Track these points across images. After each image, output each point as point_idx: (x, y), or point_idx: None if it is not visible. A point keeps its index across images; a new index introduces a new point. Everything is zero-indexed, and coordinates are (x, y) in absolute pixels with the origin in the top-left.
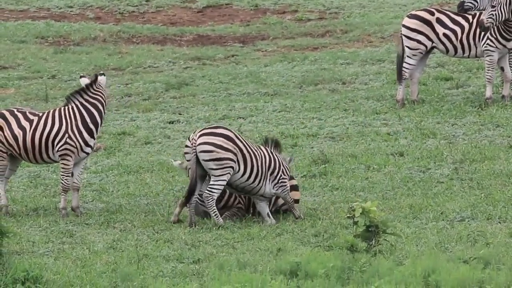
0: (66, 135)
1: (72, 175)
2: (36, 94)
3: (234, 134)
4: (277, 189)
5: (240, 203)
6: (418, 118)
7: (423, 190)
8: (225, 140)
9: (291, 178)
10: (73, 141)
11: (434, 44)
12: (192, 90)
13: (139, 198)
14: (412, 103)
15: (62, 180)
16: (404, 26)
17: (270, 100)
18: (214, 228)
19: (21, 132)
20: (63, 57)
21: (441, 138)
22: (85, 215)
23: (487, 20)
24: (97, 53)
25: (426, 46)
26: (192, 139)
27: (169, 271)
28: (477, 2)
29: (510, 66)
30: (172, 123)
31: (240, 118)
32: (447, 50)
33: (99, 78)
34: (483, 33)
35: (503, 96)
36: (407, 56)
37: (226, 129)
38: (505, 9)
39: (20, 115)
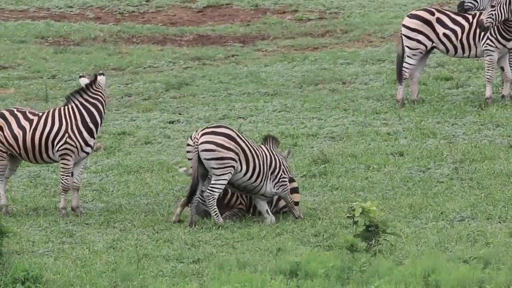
0: (66, 134)
1: (72, 175)
2: (36, 94)
3: (236, 134)
4: (277, 189)
5: (241, 203)
6: (418, 118)
7: (423, 190)
8: (227, 140)
9: (292, 180)
10: (73, 140)
11: (434, 44)
12: (192, 90)
13: (139, 198)
14: (412, 103)
15: (62, 180)
16: (404, 26)
17: (270, 100)
18: (214, 228)
19: (21, 132)
20: (63, 57)
21: (441, 138)
22: (85, 215)
23: (487, 20)
24: (97, 53)
25: (426, 46)
26: (194, 138)
27: (169, 270)
28: (477, 2)
29: (510, 66)
30: (172, 123)
31: (240, 118)
32: (447, 50)
33: (99, 78)
34: (483, 33)
35: (503, 96)
36: (407, 56)
37: (228, 128)
38: (505, 9)
39: (20, 115)
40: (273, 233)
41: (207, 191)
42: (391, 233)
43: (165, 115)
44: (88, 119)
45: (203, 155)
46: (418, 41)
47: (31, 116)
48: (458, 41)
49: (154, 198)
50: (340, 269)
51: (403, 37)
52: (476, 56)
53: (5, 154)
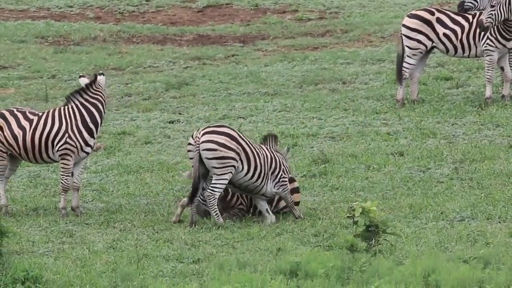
0: (66, 134)
1: (72, 174)
2: (36, 94)
3: (237, 133)
4: (278, 188)
5: (242, 204)
6: (418, 118)
7: (423, 189)
8: (229, 139)
9: (293, 180)
10: (73, 140)
11: (434, 44)
12: (192, 90)
13: (139, 198)
14: (412, 102)
15: (62, 179)
16: (404, 25)
17: (270, 99)
18: (214, 228)
19: (21, 132)
20: (63, 57)
21: (441, 138)
22: (85, 215)
23: (486, 20)
24: (97, 53)
25: (426, 46)
26: (196, 137)
27: (169, 271)
28: (477, 2)
29: (510, 66)
30: (172, 122)
31: (240, 117)
32: (447, 50)
33: (99, 77)
34: (483, 33)
35: (503, 96)
36: (407, 55)
37: (230, 128)
38: (505, 8)
39: (20, 115)
40: (273, 233)
41: (208, 190)
42: (391, 233)
43: (165, 115)
44: (88, 119)
45: (205, 154)
46: (418, 41)
47: (31, 116)
48: (458, 41)
49: (154, 198)
50: (340, 269)
51: (403, 37)
52: (476, 56)
53: (5, 154)
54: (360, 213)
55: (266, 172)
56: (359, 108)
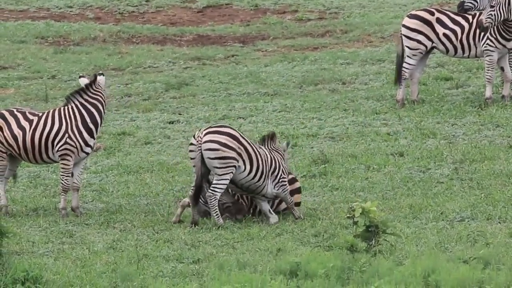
0: (66, 135)
1: (72, 175)
2: (36, 94)
3: (239, 133)
4: (277, 189)
5: (242, 204)
6: (418, 118)
7: (423, 190)
8: (230, 139)
9: (295, 180)
10: (73, 141)
11: (434, 44)
12: (192, 90)
13: (139, 198)
14: (412, 103)
15: (62, 180)
16: (404, 26)
17: (270, 100)
18: (214, 228)
19: (20, 132)
20: (63, 57)
21: (441, 138)
22: (85, 215)
23: (486, 20)
24: (97, 53)
25: (426, 46)
26: (198, 137)
27: (169, 271)
28: (477, 2)
29: (510, 66)
30: (172, 123)
31: (240, 118)
32: (447, 50)
33: (98, 78)
34: (483, 33)
35: (503, 96)
36: (407, 56)
37: (231, 128)
38: (504, 9)
39: (19, 115)
40: (273, 233)
41: (209, 191)
42: (391, 234)
43: (165, 115)
44: (88, 119)
45: (207, 154)
46: (418, 41)
47: (31, 117)
48: (458, 41)
49: (154, 198)
50: (340, 270)
51: (403, 37)
52: (476, 56)
53: (4, 155)
54: (360, 213)
55: (267, 172)
56: (359, 109)
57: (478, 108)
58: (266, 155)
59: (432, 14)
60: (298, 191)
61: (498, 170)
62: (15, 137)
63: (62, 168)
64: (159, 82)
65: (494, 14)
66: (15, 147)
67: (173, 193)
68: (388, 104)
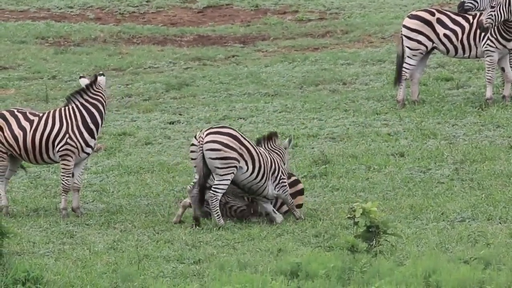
0: (67, 135)
1: (73, 175)
2: (36, 95)
3: (240, 134)
4: (278, 190)
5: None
6: (419, 119)
7: (424, 190)
8: (232, 139)
9: (298, 182)
10: (73, 141)
11: (434, 45)
12: (192, 91)
13: (139, 199)
14: (412, 103)
15: (63, 180)
16: (404, 26)
17: (271, 100)
18: (214, 229)
19: (21, 133)
20: (64, 58)
21: (441, 139)
22: (86, 216)
23: (486, 21)
24: (98, 53)
25: (426, 47)
26: (199, 137)
27: (170, 271)
28: (477, 3)
29: (510, 67)
30: (173, 123)
31: (241, 118)
32: (448, 51)
33: (99, 78)
34: (483, 33)
35: (503, 97)
36: (408, 56)
37: (232, 129)
38: (505, 9)
39: (20, 116)
40: (274, 234)
41: (211, 191)
42: (392, 234)
43: (165, 115)
44: (88, 120)
45: (208, 154)
46: (419, 42)
47: (31, 117)
48: (459, 41)
49: (154, 199)
50: (341, 270)
51: (404, 37)
52: (476, 57)
53: (5, 155)
54: (361, 213)
55: (268, 172)
56: (359, 109)
57: (478, 109)
58: (266, 155)
59: (433, 14)
60: (301, 192)
61: (499, 170)
62: (15, 138)
63: (63, 168)
64: (159, 83)
65: (495, 15)
66: (16, 147)
67: (173, 194)
68: (388, 105)
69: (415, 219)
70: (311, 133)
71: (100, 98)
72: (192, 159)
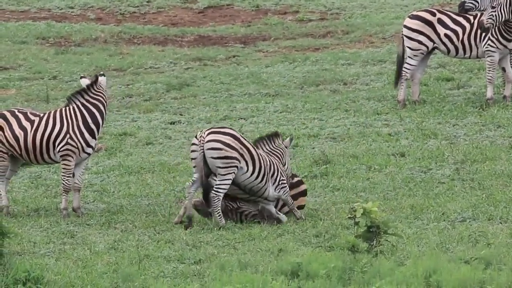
0: (68, 135)
1: (73, 175)
2: (37, 95)
3: (240, 135)
4: (278, 191)
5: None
6: (419, 119)
7: (424, 190)
8: (233, 140)
9: (301, 183)
10: (74, 141)
11: (435, 45)
12: (193, 91)
13: (140, 199)
14: (413, 103)
15: (63, 180)
16: (405, 26)
17: (271, 100)
18: (215, 229)
19: (22, 133)
20: (64, 58)
21: (442, 139)
22: (86, 216)
23: (487, 21)
24: (98, 54)
25: (427, 47)
26: (200, 137)
27: (170, 271)
28: (478, 3)
29: (511, 67)
30: (173, 123)
31: (241, 118)
32: (448, 51)
33: (100, 78)
34: (484, 33)
35: (504, 97)
36: (408, 56)
37: (233, 129)
38: (505, 10)
39: (21, 116)
40: (274, 233)
41: (212, 192)
42: (393, 234)
43: (166, 116)
44: (89, 120)
45: (210, 153)
46: (419, 42)
47: (32, 117)
48: (459, 41)
49: (155, 199)
50: (342, 270)
51: (404, 37)
52: (477, 57)
53: (6, 155)
54: (362, 213)
55: (268, 173)
56: (360, 109)
57: (479, 109)
58: (265, 156)
59: (433, 14)
60: (303, 193)
61: (500, 170)
62: (16, 138)
63: (64, 168)
64: (160, 83)
65: (495, 15)
66: (17, 147)
67: (174, 194)
68: (389, 105)
69: (416, 219)
70: (312, 133)
71: (101, 98)
72: (192, 158)
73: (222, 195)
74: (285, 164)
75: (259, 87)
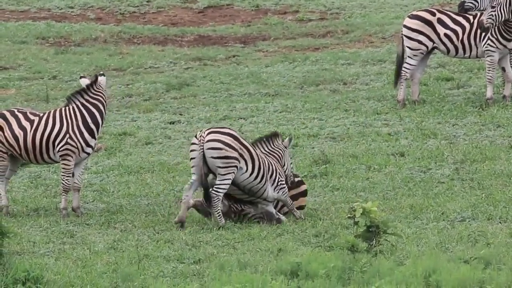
0: (67, 135)
1: (73, 175)
2: (36, 95)
3: (239, 135)
4: (277, 192)
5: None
6: (419, 119)
7: (424, 190)
8: (233, 140)
9: (302, 183)
10: (74, 141)
11: (435, 45)
12: (193, 91)
13: (139, 199)
14: (413, 103)
15: (63, 180)
16: (405, 26)
17: (271, 100)
18: (214, 229)
19: (21, 133)
20: (64, 58)
21: (442, 138)
22: (86, 216)
23: (487, 21)
24: (98, 53)
25: (427, 47)
26: (200, 136)
27: (170, 271)
28: (478, 2)
29: (511, 66)
30: (173, 123)
31: (241, 118)
32: (448, 51)
33: (99, 78)
34: (483, 33)
35: (504, 97)
36: (408, 56)
37: (232, 129)
38: (505, 9)
39: (20, 116)
40: (274, 233)
41: (213, 191)
42: (392, 234)
43: (165, 115)
44: (89, 120)
45: (209, 153)
46: (419, 42)
47: (32, 117)
48: (459, 41)
49: (155, 198)
50: (341, 270)
51: (404, 37)
52: (477, 57)
53: (5, 155)
54: (361, 213)
55: (266, 174)
56: (360, 109)
57: (479, 109)
58: (263, 157)
59: (433, 14)
60: (303, 194)
61: (499, 170)
62: (16, 137)
63: (63, 168)
64: (160, 83)
65: (495, 15)
66: (16, 147)
67: (174, 194)
68: (389, 105)
69: (415, 219)
70: (312, 133)
71: (101, 98)
72: (191, 158)
73: (222, 195)
74: (284, 164)
75: (259, 87)
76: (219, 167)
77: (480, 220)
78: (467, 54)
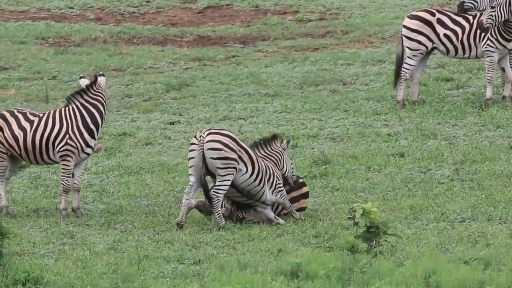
0: (67, 135)
1: (73, 176)
2: (36, 95)
3: (237, 138)
4: (276, 195)
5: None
6: (419, 119)
7: (424, 191)
8: (232, 141)
9: (303, 185)
10: (73, 141)
11: (434, 45)
12: (192, 91)
13: (139, 199)
14: (412, 104)
15: (63, 181)
16: (404, 26)
17: (271, 101)
18: (214, 229)
19: (21, 133)
20: (64, 58)
21: (441, 139)
22: (86, 216)
23: (487, 21)
24: (98, 54)
25: (426, 47)
26: (200, 137)
27: (170, 272)
28: (477, 3)
29: (510, 67)
30: (173, 124)
31: (241, 119)
32: (448, 51)
33: (99, 78)
34: (483, 33)
35: (503, 97)
36: (408, 56)
37: (229, 131)
38: (505, 9)
39: (20, 116)
40: (274, 234)
41: (213, 192)
42: (392, 234)
43: (165, 116)
44: (88, 120)
45: (209, 154)
46: (419, 42)
47: (31, 117)
48: (459, 41)
49: (154, 199)
50: (341, 270)
51: (404, 38)
52: (476, 57)
53: (5, 155)
54: (361, 214)
55: (264, 176)
56: (359, 109)
57: (478, 109)
58: (261, 161)
59: (433, 14)
60: (305, 196)
61: (499, 171)
62: (15, 138)
63: (63, 168)
64: (159, 83)
65: (495, 15)
66: (16, 147)
67: (174, 194)
68: (388, 105)
69: (415, 220)
70: (311, 134)
71: (100, 99)
72: (190, 158)
73: (222, 195)
74: (283, 167)
75: (259, 87)
76: (219, 167)
77: (480, 220)
78: (467, 55)
